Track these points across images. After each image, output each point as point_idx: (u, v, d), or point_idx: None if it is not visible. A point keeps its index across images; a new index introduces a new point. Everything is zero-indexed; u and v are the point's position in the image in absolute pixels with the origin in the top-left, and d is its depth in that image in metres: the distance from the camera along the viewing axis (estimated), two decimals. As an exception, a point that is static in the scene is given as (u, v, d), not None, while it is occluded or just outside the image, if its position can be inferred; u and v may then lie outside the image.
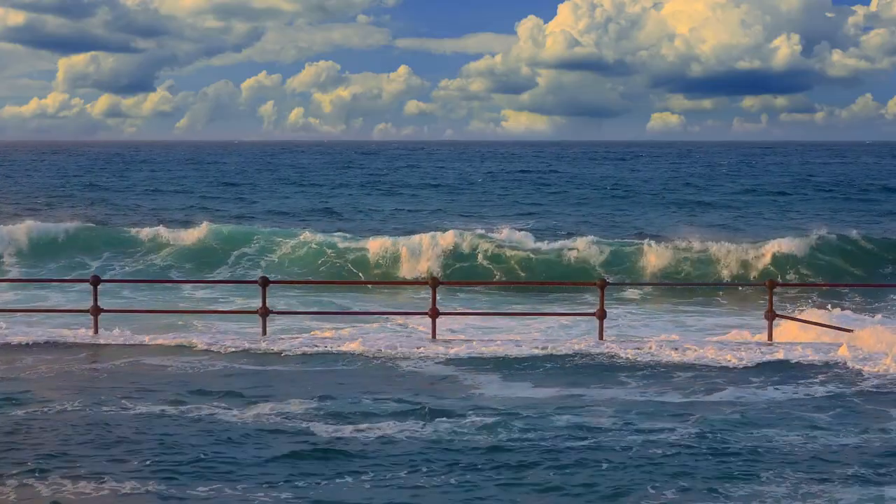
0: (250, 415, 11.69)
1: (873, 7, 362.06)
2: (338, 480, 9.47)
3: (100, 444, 10.53)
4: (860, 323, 17.57)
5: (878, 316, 19.06)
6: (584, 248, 30.47)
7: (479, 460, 10.03)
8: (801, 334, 16.95)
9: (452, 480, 9.47)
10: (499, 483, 9.41)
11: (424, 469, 9.76)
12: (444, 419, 11.48)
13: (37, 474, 9.48)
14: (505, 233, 32.23)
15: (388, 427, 11.17)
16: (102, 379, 13.77)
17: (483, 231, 32.46)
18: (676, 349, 15.61)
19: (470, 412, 11.80)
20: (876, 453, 10.32)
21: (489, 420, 11.45)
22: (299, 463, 9.95)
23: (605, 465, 9.87)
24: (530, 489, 9.26)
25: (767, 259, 29.11)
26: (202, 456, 10.10)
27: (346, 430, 11.04)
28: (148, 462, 9.89)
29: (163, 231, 33.08)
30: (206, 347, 15.86)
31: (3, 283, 25.97)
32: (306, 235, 32.51)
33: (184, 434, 10.88)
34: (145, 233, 33.00)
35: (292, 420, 11.47)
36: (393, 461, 10.00)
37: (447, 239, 30.83)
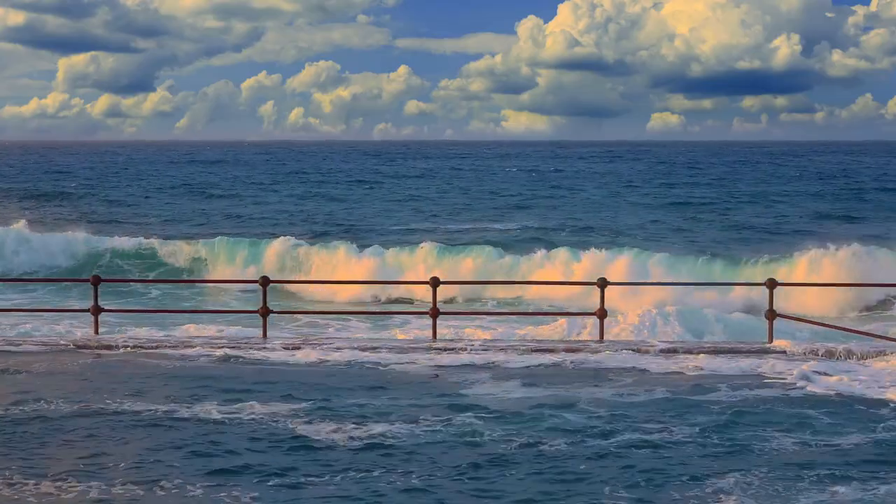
0: (244, 414, 11.75)
1: (873, 7, 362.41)
2: (324, 478, 9.54)
3: (91, 442, 10.61)
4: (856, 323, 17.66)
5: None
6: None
7: (471, 461, 10.08)
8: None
9: (441, 480, 9.53)
10: (487, 483, 9.46)
11: (412, 469, 9.81)
12: (441, 419, 11.53)
13: (29, 473, 9.56)
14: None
15: (379, 427, 11.22)
16: (100, 378, 13.80)
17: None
18: (674, 350, 15.66)
19: (464, 412, 11.85)
20: (866, 452, 10.41)
21: (483, 420, 11.50)
22: (288, 462, 10.02)
23: (586, 467, 9.92)
24: (520, 490, 9.30)
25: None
26: (193, 455, 10.18)
27: (341, 430, 11.09)
28: (137, 461, 9.97)
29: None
30: (204, 347, 15.88)
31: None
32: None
33: (176, 433, 10.97)
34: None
35: (284, 419, 11.53)
36: (381, 461, 10.05)
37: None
